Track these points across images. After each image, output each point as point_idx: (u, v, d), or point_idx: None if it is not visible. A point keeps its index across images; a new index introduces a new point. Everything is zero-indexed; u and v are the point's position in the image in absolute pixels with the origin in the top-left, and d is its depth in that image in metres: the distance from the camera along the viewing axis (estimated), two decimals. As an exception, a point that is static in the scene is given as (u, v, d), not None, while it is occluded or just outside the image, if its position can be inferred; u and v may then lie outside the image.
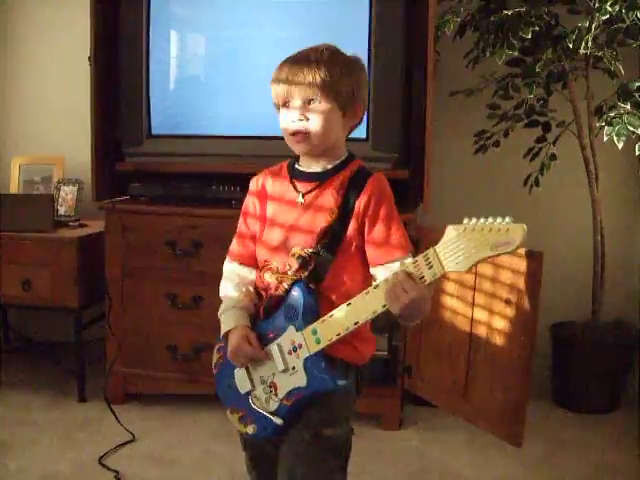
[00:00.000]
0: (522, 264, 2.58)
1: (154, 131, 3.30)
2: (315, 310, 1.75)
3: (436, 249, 1.59)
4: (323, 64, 1.73)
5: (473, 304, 2.76)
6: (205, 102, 3.29)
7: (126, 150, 3.35)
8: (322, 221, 1.78)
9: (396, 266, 1.72)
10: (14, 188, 3.76)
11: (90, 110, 3.31)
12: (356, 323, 1.69)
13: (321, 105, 1.75)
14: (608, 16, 2.84)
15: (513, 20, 3.02)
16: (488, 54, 3.14)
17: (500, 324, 2.73)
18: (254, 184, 1.93)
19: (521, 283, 2.58)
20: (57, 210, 3.59)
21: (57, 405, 3.35)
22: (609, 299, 3.48)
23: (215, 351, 1.97)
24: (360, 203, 1.77)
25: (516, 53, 3.10)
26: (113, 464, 2.82)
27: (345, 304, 1.70)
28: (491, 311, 2.71)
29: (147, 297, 3.27)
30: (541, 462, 2.92)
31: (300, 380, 1.76)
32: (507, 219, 1.51)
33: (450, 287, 2.91)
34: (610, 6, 2.81)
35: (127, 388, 3.37)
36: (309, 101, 1.75)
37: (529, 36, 2.98)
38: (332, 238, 1.77)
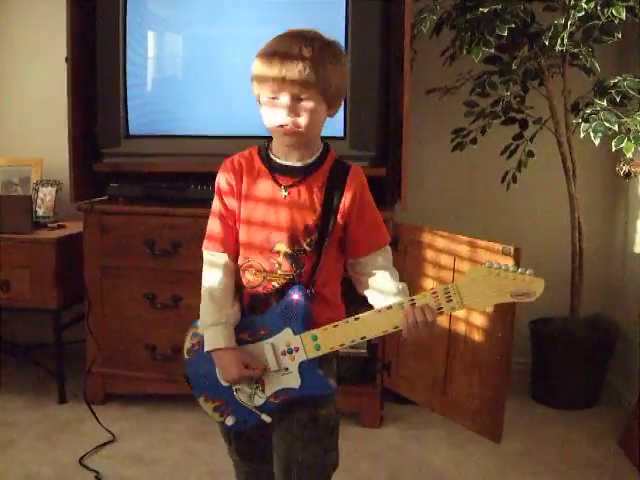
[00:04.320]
0: (501, 261, 2.59)
1: (132, 131, 3.29)
2: (312, 315, 1.77)
3: (458, 285, 1.67)
4: (314, 60, 1.68)
5: (452, 301, 2.77)
6: (182, 102, 3.28)
7: (104, 150, 3.34)
8: (305, 219, 1.78)
9: (381, 253, 1.83)
10: (-8, 190, 3.75)
11: (67, 111, 3.29)
12: (363, 337, 1.74)
13: (310, 102, 1.72)
14: (584, 13, 2.84)
15: (489, 18, 3.03)
16: (465, 52, 3.13)
17: (479, 321, 2.74)
18: (228, 174, 1.84)
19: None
20: (35, 211, 3.58)
21: (37, 406, 3.34)
22: (588, 295, 3.50)
23: (189, 336, 1.93)
24: (345, 201, 1.79)
25: (492, 50, 3.10)
26: (93, 464, 2.82)
27: (353, 318, 1.74)
28: (470, 308, 2.72)
29: (126, 297, 3.26)
30: (520, 457, 2.94)
31: (293, 381, 1.79)
32: (528, 271, 1.61)
33: (428, 284, 2.92)
34: (586, 3, 2.81)
35: (107, 388, 3.36)
36: (299, 99, 1.71)
37: (505, 33, 2.98)
38: (317, 235, 1.78)
